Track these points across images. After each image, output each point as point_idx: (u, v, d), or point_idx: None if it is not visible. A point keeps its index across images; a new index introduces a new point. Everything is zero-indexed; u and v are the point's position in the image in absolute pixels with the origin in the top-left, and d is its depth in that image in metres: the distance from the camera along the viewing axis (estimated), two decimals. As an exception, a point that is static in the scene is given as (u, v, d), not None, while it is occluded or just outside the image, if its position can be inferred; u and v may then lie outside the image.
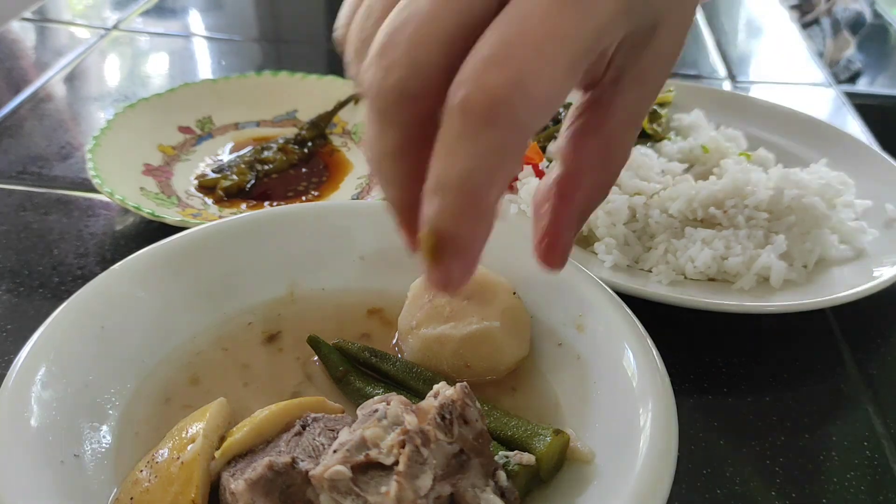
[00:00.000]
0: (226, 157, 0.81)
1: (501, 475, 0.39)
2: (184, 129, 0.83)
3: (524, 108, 0.26)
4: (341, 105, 0.87)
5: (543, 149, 0.76)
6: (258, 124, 0.86)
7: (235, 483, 0.37)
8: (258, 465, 0.37)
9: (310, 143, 0.83)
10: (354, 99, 0.86)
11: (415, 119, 0.28)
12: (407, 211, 0.30)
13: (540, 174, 0.73)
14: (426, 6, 0.27)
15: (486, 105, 0.26)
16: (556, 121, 0.81)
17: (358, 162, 0.81)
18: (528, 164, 0.73)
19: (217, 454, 0.40)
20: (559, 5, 0.27)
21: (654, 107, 0.84)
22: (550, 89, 0.27)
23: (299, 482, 0.36)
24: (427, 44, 0.27)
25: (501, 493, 0.38)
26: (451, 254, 0.28)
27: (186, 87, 0.85)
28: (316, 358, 0.50)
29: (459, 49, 0.27)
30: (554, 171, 0.36)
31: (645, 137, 0.82)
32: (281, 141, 0.82)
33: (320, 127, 0.84)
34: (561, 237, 0.37)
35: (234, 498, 0.36)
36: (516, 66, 0.26)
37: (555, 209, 0.36)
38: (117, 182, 0.69)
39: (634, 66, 0.34)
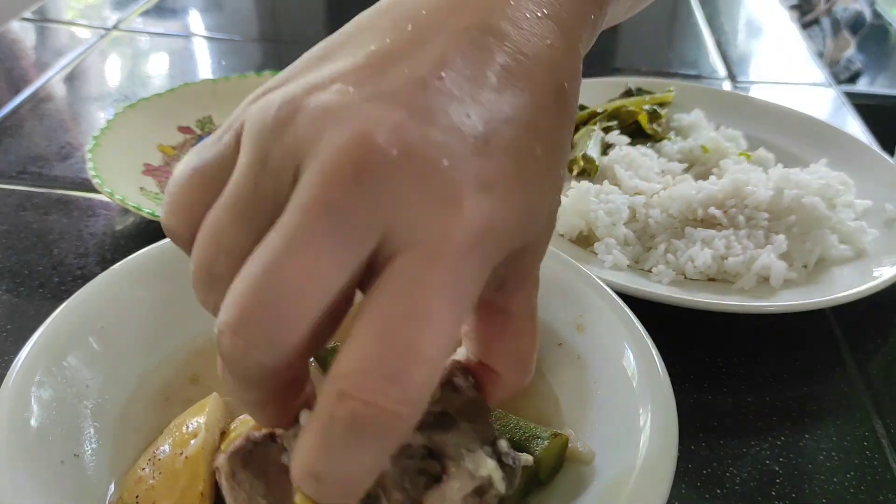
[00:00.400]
0: (226, 157, 0.81)
1: (503, 444, 0.35)
2: (184, 129, 0.83)
3: (411, 415, 0.24)
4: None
5: None
6: (258, 124, 0.86)
7: (217, 458, 0.36)
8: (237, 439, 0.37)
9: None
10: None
11: (278, 384, 0.28)
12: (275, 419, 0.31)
13: None
14: (293, 282, 0.24)
15: (372, 418, 0.24)
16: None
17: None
18: None
19: (223, 447, 0.40)
20: (425, 306, 0.24)
21: (654, 107, 0.84)
22: (429, 386, 0.25)
23: (277, 453, 0.36)
24: (291, 330, 0.25)
25: (499, 458, 0.34)
26: None
27: (186, 87, 0.85)
28: (311, 359, 0.50)
29: (322, 321, 0.26)
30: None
31: (645, 137, 0.82)
32: None
33: (320, 127, 0.84)
34: None
35: (219, 472, 0.36)
36: (402, 379, 0.24)
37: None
38: (117, 182, 0.69)
39: (514, 273, 0.32)
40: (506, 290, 0.33)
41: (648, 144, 0.80)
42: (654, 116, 0.83)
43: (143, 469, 0.40)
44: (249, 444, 0.36)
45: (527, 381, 0.35)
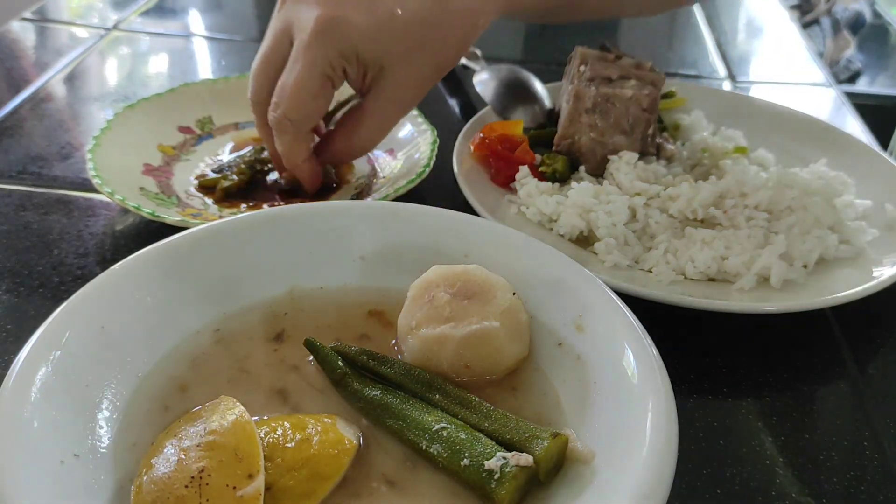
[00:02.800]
0: (226, 157, 0.81)
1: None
2: (184, 129, 0.83)
3: (297, 118, 0.66)
4: (341, 105, 0.86)
5: (533, 147, 0.77)
6: (258, 124, 0.86)
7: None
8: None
9: (310, 143, 0.83)
10: (354, 99, 0.86)
11: (297, 133, 0.68)
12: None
13: (536, 174, 0.73)
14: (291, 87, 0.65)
15: (275, 122, 0.66)
16: (541, 126, 0.82)
17: (358, 162, 0.81)
18: (522, 164, 0.73)
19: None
20: (295, 62, 0.64)
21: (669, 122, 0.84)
22: (306, 106, 0.65)
23: None
24: (304, 107, 0.66)
25: None
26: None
27: (186, 87, 0.85)
28: (311, 358, 0.50)
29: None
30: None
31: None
32: None
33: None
34: (312, 174, 0.72)
35: None
36: (280, 104, 0.65)
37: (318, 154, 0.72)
38: (117, 182, 0.69)
39: (374, 87, 0.67)
40: (367, 97, 0.68)
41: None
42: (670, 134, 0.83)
43: (187, 487, 0.38)
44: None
45: (347, 157, 0.74)
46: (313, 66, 0.63)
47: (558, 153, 0.76)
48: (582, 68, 0.76)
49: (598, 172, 0.74)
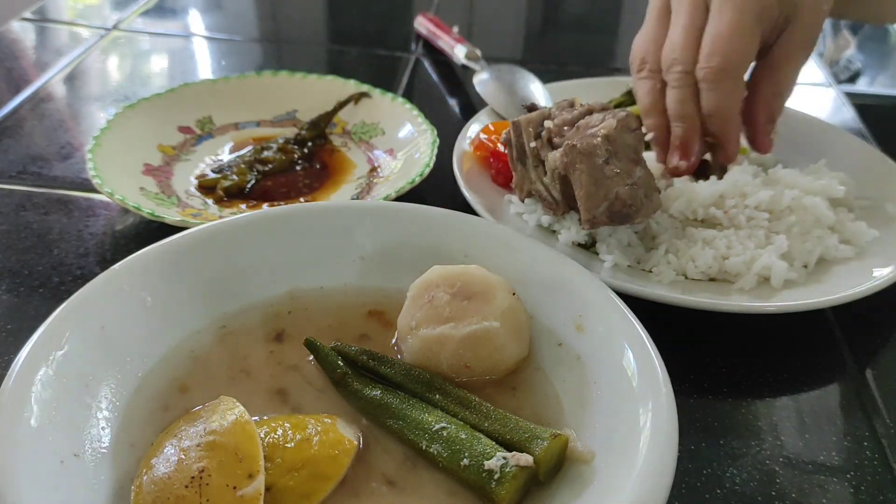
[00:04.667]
0: (226, 157, 0.81)
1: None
2: (184, 129, 0.83)
3: (736, 63, 0.65)
4: (341, 105, 0.87)
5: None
6: (258, 124, 0.86)
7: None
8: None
9: (310, 143, 0.83)
10: (354, 99, 0.87)
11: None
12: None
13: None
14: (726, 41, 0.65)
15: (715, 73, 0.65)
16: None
17: (358, 162, 0.81)
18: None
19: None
20: (721, 11, 0.64)
21: None
22: (744, 49, 0.65)
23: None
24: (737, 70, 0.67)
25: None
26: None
27: (186, 87, 0.85)
28: (311, 358, 0.50)
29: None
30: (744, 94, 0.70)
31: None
32: (281, 141, 0.82)
33: (320, 127, 0.85)
34: (758, 134, 0.71)
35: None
36: (722, 49, 0.64)
37: (746, 122, 0.71)
38: (117, 182, 0.69)
39: (787, 31, 0.68)
40: (772, 51, 0.68)
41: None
42: None
43: (187, 487, 0.38)
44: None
45: (777, 111, 0.72)
46: (745, 6, 0.64)
47: (594, 227, 0.62)
48: (547, 123, 0.65)
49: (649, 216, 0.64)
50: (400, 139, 0.82)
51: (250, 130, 0.85)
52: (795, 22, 0.68)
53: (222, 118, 0.85)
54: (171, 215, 0.66)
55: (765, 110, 0.70)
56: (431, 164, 0.74)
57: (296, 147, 0.82)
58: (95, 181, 0.68)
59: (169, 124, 0.82)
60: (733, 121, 0.68)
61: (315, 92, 0.88)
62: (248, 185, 0.76)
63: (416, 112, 0.83)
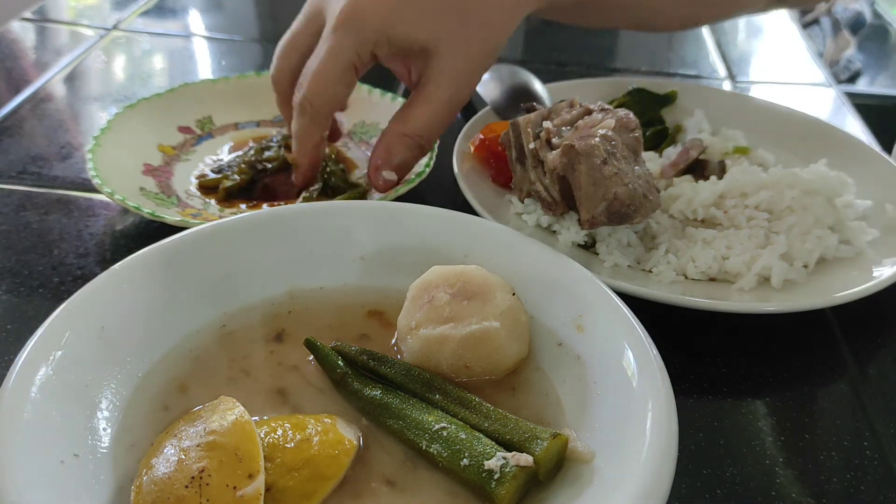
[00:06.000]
0: (226, 157, 0.81)
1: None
2: (184, 129, 0.83)
3: (318, 103, 0.65)
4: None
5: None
6: (258, 124, 0.86)
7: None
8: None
9: (310, 143, 0.82)
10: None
11: (316, 116, 0.67)
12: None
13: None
14: (315, 70, 0.65)
15: (298, 105, 0.66)
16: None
17: (358, 162, 0.81)
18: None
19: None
20: (321, 47, 0.64)
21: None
22: (326, 92, 0.64)
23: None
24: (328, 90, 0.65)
25: None
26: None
27: (186, 87, 0.85)
28: (311, 358, 0.50)
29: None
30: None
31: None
32: (280, 137, 0.81)
33: (320, 127, 0.84)
34: (370, 171, 0.68)
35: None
36: (303, 87, 0.65)
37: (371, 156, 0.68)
38: (117, 182, 0.69)
39: (424, 73, 0.65)
40: (419, 84, 0.65)
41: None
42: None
43: (186, 487, 0.38)
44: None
45: (419, 152, 0.68)
46: (338, 52, 0.63)
47: (594, 228, 0.62)
48: (546, 123, 0.65)
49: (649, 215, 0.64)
50: (400, 139, 0.82)
51: (250, 130, 0.85)
52: (431, 61, 0.64)
53: (222, 118, 0.85)
54: (171, 215, 0.66)
55: (383, 150, 0.66)
56: (431, 165, 0.74)
57: (296, 147, 0.81)
58: (95, 181, 0.68)
59: (169, 124, 0.82)
60: (307, 152, 0.69)
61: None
62: (249, 185, 0.75)
63: (416, 112, 0.83)
